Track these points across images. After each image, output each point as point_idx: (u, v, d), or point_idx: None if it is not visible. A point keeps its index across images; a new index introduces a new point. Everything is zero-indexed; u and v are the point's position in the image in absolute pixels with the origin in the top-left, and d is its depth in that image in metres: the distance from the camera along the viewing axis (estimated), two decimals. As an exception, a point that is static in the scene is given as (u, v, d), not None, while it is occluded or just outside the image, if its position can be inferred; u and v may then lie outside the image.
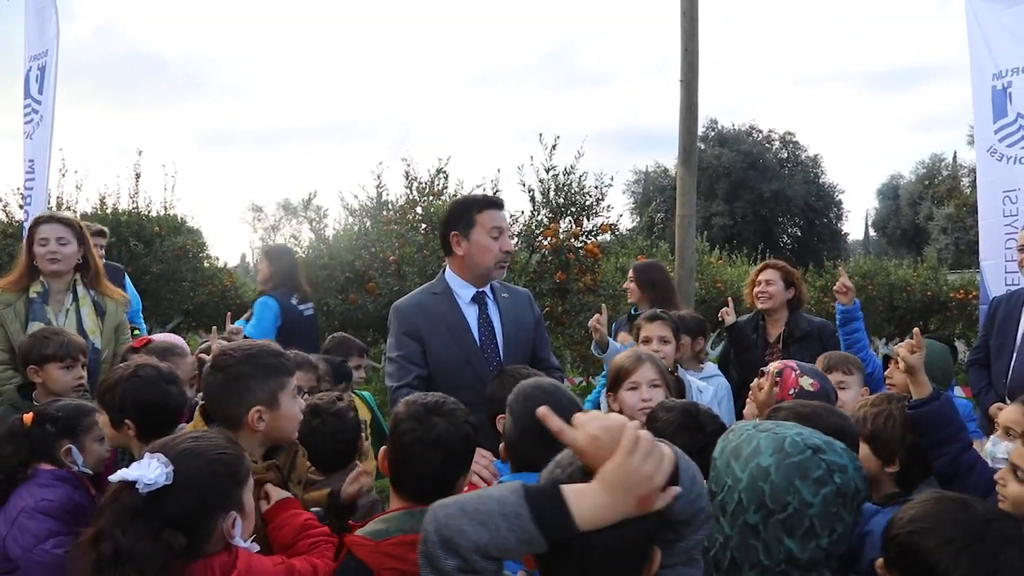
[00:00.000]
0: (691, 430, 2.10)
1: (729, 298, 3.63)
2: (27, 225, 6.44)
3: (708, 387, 3.42)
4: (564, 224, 7.38)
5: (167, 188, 10.33)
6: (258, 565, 1.71)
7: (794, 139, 37.91)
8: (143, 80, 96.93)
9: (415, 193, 8.05)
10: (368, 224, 8.21)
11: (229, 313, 4.63)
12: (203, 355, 3.29)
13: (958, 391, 6.14)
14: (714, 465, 1.54)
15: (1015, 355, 3.93)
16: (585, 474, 1.18)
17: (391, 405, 2.98)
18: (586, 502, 1.13)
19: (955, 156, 34.11)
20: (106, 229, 5.65)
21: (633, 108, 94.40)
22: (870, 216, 41.51)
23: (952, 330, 13.12)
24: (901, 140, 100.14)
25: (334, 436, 2.65)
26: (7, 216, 8.94)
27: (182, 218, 10.48)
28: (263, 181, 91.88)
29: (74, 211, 9.29)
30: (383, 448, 1.90)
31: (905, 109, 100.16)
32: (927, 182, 34.31)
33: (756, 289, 4.31)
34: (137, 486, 1.58)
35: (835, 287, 4.01)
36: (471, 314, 2.99)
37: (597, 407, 3.18)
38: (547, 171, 7.35)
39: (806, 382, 2.61)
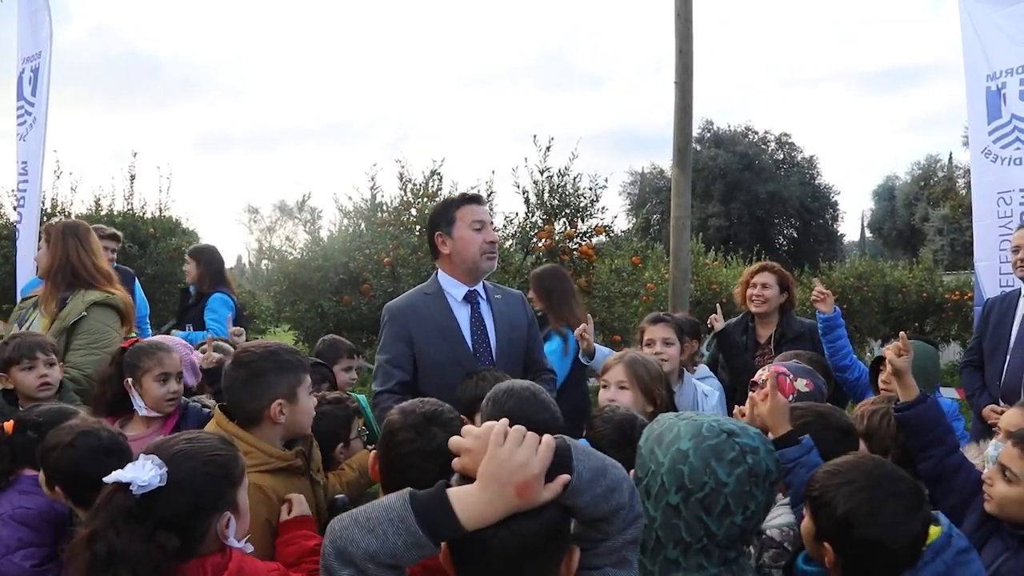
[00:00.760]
0: (622, 446, 2.14)
1: (718, 304, 3.61)
2: (19, 227, 6.46)
3: (713, 392, 3.41)
4: (559, 226, 7.38)
5: (162, 190, 10.33)
6: (251, 567, 1.71)
7: (790, 140, 38.01)
8: (139, 82, 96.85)
9: (409, 195, 8.05)
10: (363, 226, 8.21)
11: (230, 315, 4.66)
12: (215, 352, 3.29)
13: (951, 392, 6.16)
14: (640, 453, 1.64)
15: (1009, 357, 3.94)
16: None
17: (373, 408, 2.99)
18: (469, 500, 1.16)
19: (951, 157, 34.23)
20: (119, 233, 5.63)
21: (630, 109, 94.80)
22: (866, 217, 41.61)
23: (948, 331, 13.16)
24: (897, 141, 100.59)
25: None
26: (1, 217, 8.91)
27: (177, 219, 10.47)
28: (259, 183, 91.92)
29: (69, 213, 9.26)
30: (373, 454, 1.90)
31: (901, 110, 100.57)
32: (923, 183, 34.39)
33: (751, 291, 4.32)
34: (131, 488, 1.59)
35: (812, 296, 3.86)
36: (463, 315, 3.00)
37: None
38: (541, 173, 7.36)
39: (801, 384, 2.67)
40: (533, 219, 7.45)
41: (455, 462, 1.24)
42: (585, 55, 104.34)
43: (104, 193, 9.90)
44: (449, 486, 1.20)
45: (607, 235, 7.60)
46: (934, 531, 1.74)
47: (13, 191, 6.94)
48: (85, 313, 3.34)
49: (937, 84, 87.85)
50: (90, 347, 3.28)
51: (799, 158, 37.84)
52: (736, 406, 2.53)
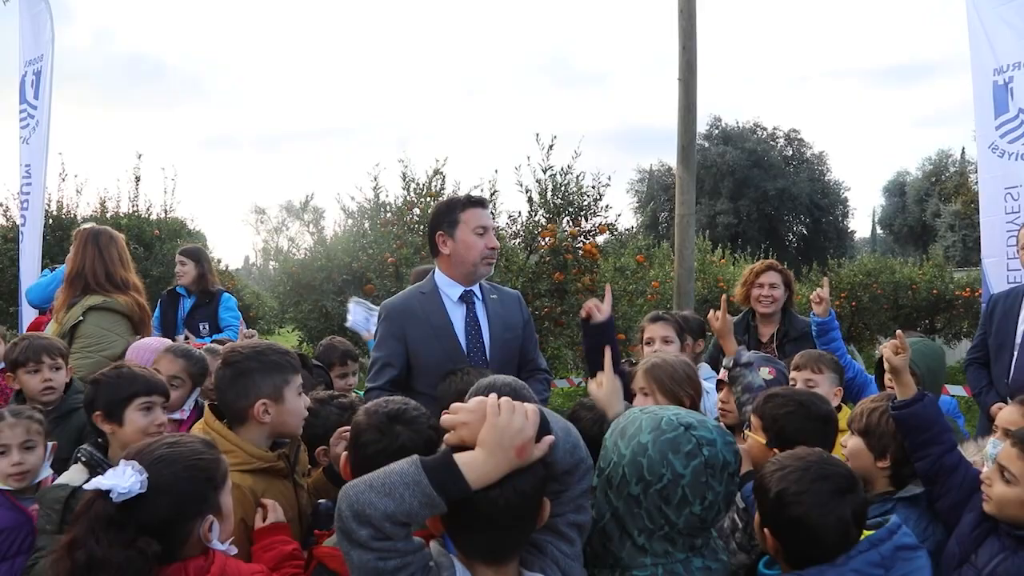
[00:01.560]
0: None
1: (723, 298, 3.55)
2: (23, 230, 6.51)
3: (712, 390, 3.38)
4: (562, 224, 7.35)
5: (167, 191, 10.34)
6: (234, 570, 1.70)
7: (799, 136, 37.68)
8: (145, 84, 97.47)
9: (412, 194, 8.04)
10: (366, 225, 8.20)
11: (241, 320, 4.69)
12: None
13: (959, 390, 6.08)
14: (604, 445, 1.73)
15: (1016, 353, 3.87)
16: None
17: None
18: (474, 463, 1.34)
19: (963, 152, 33.85)
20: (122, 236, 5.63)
21: (638, 106, 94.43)
22: (876, 214, 41.25)
23: (959, 328, 13.05)
24: (907, 136, 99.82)
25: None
26: (7, 220, 8.96)
27: (182, 221, 10.49)
28: (267, 183, 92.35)
29: (74, 215, 9.31)
30: (344, 454, 1.90)
31: (911, 105, 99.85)
32: (934, 178, 34.07)
33: (758, 292, 4.28)
34: (111, 495, 1.58)
35: (811, 297, 3.84)
36: (458, 315, 3.00)
37: None
38: (544, 171, 7.33)
39: (764, 372, 2.74)
40: (536, 218, 7.42)
41: (448, 436, 1.39)
42: (592, 52, 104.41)
43: (109, 195, 9.94)
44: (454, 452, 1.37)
45: (611, 233, 7.55)
46: (876, 525, 1.82)
47: (16, 194, 6.97)
48: (82, 318, 3.40)
49: (948, 78, 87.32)
50: (84, 351, 3.33)
51: (808, 154, 37.54)
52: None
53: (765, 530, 1.82)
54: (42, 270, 5.84)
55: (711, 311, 3.67)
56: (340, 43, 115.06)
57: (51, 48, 6.17)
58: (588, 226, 7.48)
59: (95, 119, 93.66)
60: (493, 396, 1.39)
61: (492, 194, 7.61)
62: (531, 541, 1.45)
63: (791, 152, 37.63)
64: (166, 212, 10.27)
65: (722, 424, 2.33)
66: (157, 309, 5.41)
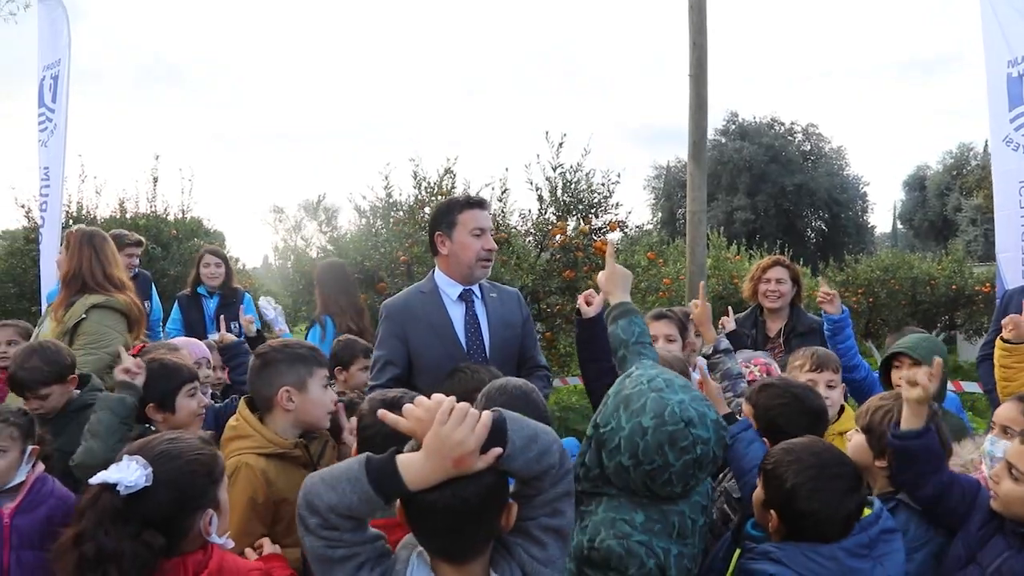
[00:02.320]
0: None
1: (700, 287, 3.49)
2: (43, 232, 6.63)
3: None
4: (572, 222, 7.34)
5: (184, 191, 10.44)
6: (231, 565, 1.75)
7: (817, 131, 37.23)
8: (165, 85, 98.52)
9: (423, 193, 8.06)
10: (378, 224, 8.24)
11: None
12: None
13: (973, 386, 6.02)
14: (605, 403, 1.84)
15: (1029, 349, 3.83)
16: None
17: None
18: (413, 466, 1.35)
19: (985, 145, 33.18)
20: (143, 239, 5.70)
21: (656, 102, 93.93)
22: (897, 208, 40.70)
23: (979, 324, 12.85)
24: (928, 130, 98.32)
25: None
26: (29, 221, 9.12)
27: (199, 220, 10.59)
28: (286, 182, 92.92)
29: (94, 217, 9.44)
30: (354, 447, 1.97)
31: (932, 98, 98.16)
32: (955, 172, 33.58)
33: (766, 287, 4.28)
34: (118, 488, 1.63)
35: (818, 298, 3.72)
36: (457, 313, 3.04)
37: None
38: (554, 169, 7.33)
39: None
40: (546, 215, 7.42)
41: (396, 421, 1.41)
42: (604, 50, 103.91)
43: (128, 196, 10.06)
44: (400, 452, 1.39)
45: (622, 231, 7.53)
46: (867, 512, 1.96)
47: (35, 196, 7.11)
48: (84, 316, 3.45)
49: (969, 71, 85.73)
50: (88, 347, 3.37)
51: (827, 149, 37.10)
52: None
53: (772, 512, 1.93)
54: (60, 271, 5.93)
55: (722, 319, 3.65)
56: (354, 44, 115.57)
57: (68, 52, 6.29)
58: (599, 223, 7.47)
59: (114, 118, 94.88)
60: (449, 401, 1.37)
61: (503, 192, 7.62)
62: (502, 542, 1.46)
63: (809, 147, 37.22)
64: (183, 212, 10.38)
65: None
66: (176, 310, 5.51)
